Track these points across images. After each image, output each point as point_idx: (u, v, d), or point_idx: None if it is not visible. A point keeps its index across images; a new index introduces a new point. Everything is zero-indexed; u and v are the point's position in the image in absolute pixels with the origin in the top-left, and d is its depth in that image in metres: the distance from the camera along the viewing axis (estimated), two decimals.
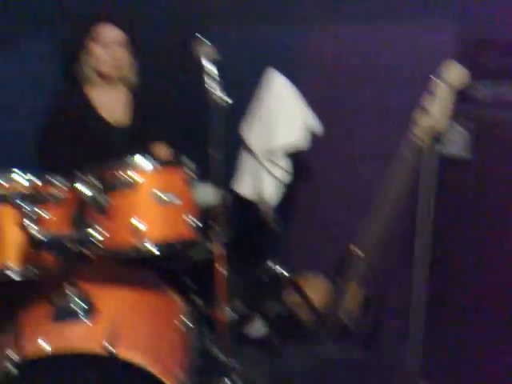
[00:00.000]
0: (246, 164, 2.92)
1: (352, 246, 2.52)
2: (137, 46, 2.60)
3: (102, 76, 2.58)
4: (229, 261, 2.25)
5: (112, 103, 2.63)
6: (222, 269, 2.21)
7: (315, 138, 2.80)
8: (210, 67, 2.10)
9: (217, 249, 2.26)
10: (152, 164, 2.04)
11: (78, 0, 2.60)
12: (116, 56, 2.50)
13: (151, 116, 2.68)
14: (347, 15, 2.81)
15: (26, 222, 1.91)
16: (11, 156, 2.53)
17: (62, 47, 2.72)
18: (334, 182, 3.05)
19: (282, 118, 2.77)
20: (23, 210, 1.92)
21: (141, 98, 2.68)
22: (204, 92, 2.10)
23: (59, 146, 2.53)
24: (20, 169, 2.01)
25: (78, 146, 2.58)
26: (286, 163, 2.84)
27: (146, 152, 2.08)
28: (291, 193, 2.96)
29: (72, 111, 2.56)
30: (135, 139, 2.62)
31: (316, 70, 2.99)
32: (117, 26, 2.49)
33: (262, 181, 2.86)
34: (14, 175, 1.97)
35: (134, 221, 1.98)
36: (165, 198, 2.02)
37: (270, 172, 2.85)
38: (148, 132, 2.68)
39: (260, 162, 2.85)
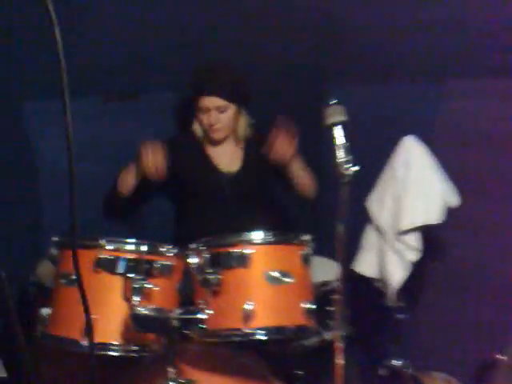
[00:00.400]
0: (370, 240, 2.67)
1: (499, 355, 2.15)
2: (245, 103, 2.59)
3: (209, 137, 2.62)
4: (345, 350, 2.01)
5: (224, 157, 2.65)
6: (338, 359, 1.96)
7: (450, 210, 2.52)
8: (338, 130, 1.92)
9: (333, 337, 2.03)
10: (267, 239, 1.92)
11: (196, 55, 2.62)
12: (213, 120, 2.52)
13: (263, 165, 2.60)
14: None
15: (133, 296, 1.84)
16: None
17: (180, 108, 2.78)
18: (472, 261, 2.71)
19: (418, 192, 2.51)
20: (131, 281, 1.85)
21: (254, 149, 2.65)
22: (328, 156, 1.92)
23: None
24: (131, 236, 1.94)
25: (187, 198, 2.62)
26: (416, 240, 2.56)
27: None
28: (419, 273, 2.66)
29: (184, 154, 2.62)
30: (246, 184, 2.62)
31: (455, 136, 2.72)
32: (216, 94, 2.50)
33: (387, 259, 2.59)
34: (123, 243, 1.90)
35: (243, 301, 1.85)
36: (279, 277, 1.89)
37: (397, 250, 2.58)
38: (259, 179, 2.66)
39: (387, 239, 2.59)
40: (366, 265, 2.63)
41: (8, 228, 2.42)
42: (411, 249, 2.52)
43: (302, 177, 2.60)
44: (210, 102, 2.49)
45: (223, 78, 2.51)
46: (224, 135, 2.60)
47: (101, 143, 2.61)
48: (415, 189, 2.49)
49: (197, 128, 2.60)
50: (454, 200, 2.54)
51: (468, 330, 2.70)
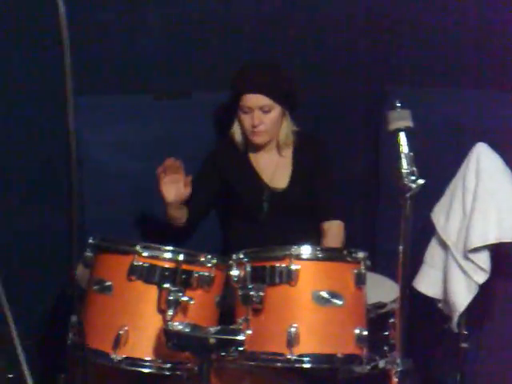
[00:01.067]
0: (434, 255, 2.45)
1: None
2: (291, 107, 2.41)
3: (251, 142, 2.44)
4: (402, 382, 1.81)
5: (269, 168, 2.46)
6: None
7: None
8: (402, 137, 1.71)
9: (388, 365, 1.84)
10: (316, 255, 1.77)
11: (249, 55, 2.53)
12: (256, 121, 2.33)
13: (313, 182, 2.42)
14: None
15: (168, 308, 1.71)
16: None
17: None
18: None
19: (491, 205, 2.28)
20: (166, 292, 1.73)
21: (304, 160, 2.45)
22: (387, 165, 1.73)
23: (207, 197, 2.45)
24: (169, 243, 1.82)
25: (232, 210, 2.46)
26: (485, 259, 2.32)
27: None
28: (487, 296, 2.43)
29: (230, 165, 2.46)
30: (293, 203, 2.41)
31: None
32: (261, 92, 2.32)
33: (453, 278, 2.37)
34: (160, 250, 1.78)
35: (287, 323, 1.69)
36: (328, 298, 1.72)
37: (464, 270, 2.34)
38: (308, 197, 2.42)
39: (453, 256, 2.36)
40: (428, 283, 2.42)
41: (49, 226, 2.35)
42: (479, 269, 2.29)
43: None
44: (253, 100, 2.30)
45: (269, 76, 2.34)
46: (266, 139, 2.39)
47: (150, 142, 2.50)
48: (487, 201, 2.26)
49: (235, 131, 2.41)
50: None
51: None
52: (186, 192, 2.25)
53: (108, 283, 1.76)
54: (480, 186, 2.28)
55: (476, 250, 2.29)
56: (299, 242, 1.81)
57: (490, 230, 2.24)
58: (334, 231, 2.37)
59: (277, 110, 2.34)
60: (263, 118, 2.32)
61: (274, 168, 2.44)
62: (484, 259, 2.28)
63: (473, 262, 2.31)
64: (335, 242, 2.33)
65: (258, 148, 2.43)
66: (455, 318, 2.33)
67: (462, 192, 2.36)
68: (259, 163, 2.45)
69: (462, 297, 2.32)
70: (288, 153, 2.45)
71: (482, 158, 2.29)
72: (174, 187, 2.22)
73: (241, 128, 2.39)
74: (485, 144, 2.30)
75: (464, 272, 2.32)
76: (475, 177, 2.31)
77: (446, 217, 2.38)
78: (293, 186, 2.41)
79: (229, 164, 2.45)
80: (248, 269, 1.76)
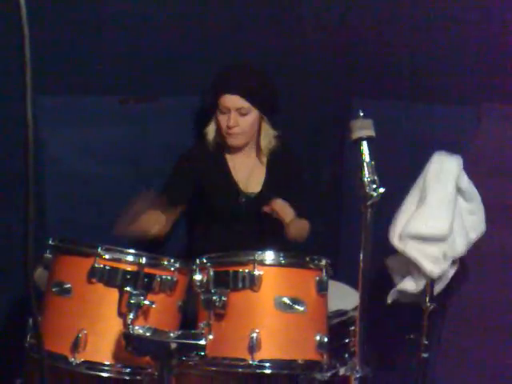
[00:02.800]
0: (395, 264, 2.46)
1: None
2: (269, 111, 2.40)
3: (226, 144, 2.42)
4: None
5: (245, 170, 2.44)
6: None
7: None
8: (365, 146, 1.72)
9: (348, 373, 1.84)
10: (279, 261, 1.76)
11: (218, 60, 2.48)
12: (232, 122, 2.31)
13: (285, 186, 2.41)
14: None
15: (130, 311, 1.68)
16: None
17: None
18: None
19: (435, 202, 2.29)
20: (128, 296, 1.70)
21: (277, 165, 2.44)
22: (349, 174, 1.73)
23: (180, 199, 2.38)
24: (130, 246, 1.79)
25: (203, 209, 2.42)
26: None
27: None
28: (444, 305, 2.45)
29: (204, 167, 2.42)
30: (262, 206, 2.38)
31: (487, 160, 2.53)
32: (239, 94, 2.31)
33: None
34: (122, 252, 1.75)
35: (248, 328, 1.69)
36: (290, 304, 1.72)
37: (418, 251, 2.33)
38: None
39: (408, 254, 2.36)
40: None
41: (8, 228, 2.29)
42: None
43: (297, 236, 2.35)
44: (231, 101, 2.29)
45: (249, 78, 2.33)
46: (241, 142, 2.38)
47: (114, 145, 2.46)
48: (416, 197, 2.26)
49: (209, 131, 2.39)
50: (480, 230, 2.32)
51: (498, 372, 2.47)
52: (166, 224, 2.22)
53: (67, 285, 1.72)
54: (427, 187, 2.27)
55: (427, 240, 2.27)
56: (270, 245, 1.81)
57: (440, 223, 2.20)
58: (306, 225, 2.38)
59: (254, 114, 2.32)
60: (239, 121, 2.30)
61: (250, 172, 2.43)
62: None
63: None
64: (299, 233, 2.33)
65: (234, 150, 2.41)
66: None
67: (417, 192, 2.36)
68: (235, 165, 2.43)
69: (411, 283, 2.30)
70: (263, 157, 2.45)
71: (432, 163, 2.27)
72: (155, 222, 2.15)
73: (217, 128, 2.37)
74: (442, 152, 2.28)
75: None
76: (433, 181, 2.32)
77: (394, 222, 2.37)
78: (266, 190, 2.40)
79: (204, 166, 2.42)
80: (211, 273, 1.75)
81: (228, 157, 2.44)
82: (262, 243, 2.07)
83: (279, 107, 2.41)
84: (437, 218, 2.21)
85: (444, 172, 2.27)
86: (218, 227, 2.39)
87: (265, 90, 2.34)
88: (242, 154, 2.43)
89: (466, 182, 2.32)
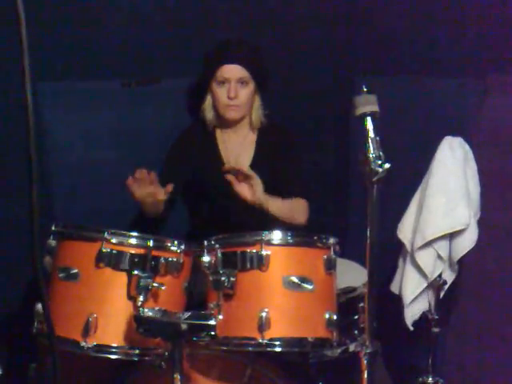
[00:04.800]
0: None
1: None
2: (263, 83, 2.36)
3: (223, 118, 2.38)
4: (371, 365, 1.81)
5: (234, 148, 2.41)
6: (363, 376, 1.77)
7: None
8: (369, 122, 1.71)
9: (358, 349, 1.84)
10: (287, 240, 1.76)
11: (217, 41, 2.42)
12: (233, 93, 2.28)
13: (276, 164, 2.37)
14: None
15: (139, 294, 1.69)
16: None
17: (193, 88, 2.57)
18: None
19: (440, 197, 2.26)
20: (136, 279, 1.70)
21: (267, 143, 2.40)
22: (355, 151, 1.72)
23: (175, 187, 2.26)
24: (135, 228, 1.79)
25: (195, 190, 2.39)
26: (442, 250, 2.30)
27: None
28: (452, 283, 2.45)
29: (194, 149, 2.40)
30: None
31: (494, 137, 2.51)
32: (240, 63, 2.28)
33: (404, 274, 2.35)
34: (128, 236, 1.74)
35: (258, 308, 1.69)
36: (298, 283, 1.72)
37: (416, 263, 2.31)
38: (270, 180, 2.29)
39: (407, 252, 2.34)
40: (394, 281, 2.41)
41: (16, 215, 2.30)
42: (437, 261, 2.27)
43: (283, 216, 2.22)
44: (232, 71, 2.26)
45: (248, 49, 2.31)
46: (239, 115, 2.34)
47: (117, 129, 2.46)
48: (435, 194, 2.20)
49: (207, 107, 2.35)
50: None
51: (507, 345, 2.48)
52: (162, 198, 2.11)
53: (74, 271, 1.72)
54: (430, 179, 2.24)
55: (431, 242, 2.27)
56: (272, 226, 1.80)
57: (439, 222, 2.20)
58: (299, 204, 2.28)
59: (252, 85, 2.30)
60: (240, 91, 2.27)
61: (239, 149, 2.40)
62: (443, 250, 2.24)
63: (421, 259, 2.27)
64: (299, 215, 2.26)
65: (228, 125, 2.38)
66: (404, 311, 2.32)
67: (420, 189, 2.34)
68: (226, 144, 2.40)
69: (409, 290, 2.29)
70: (253, 135, 2.42)
71: (440, 151, 2.25)
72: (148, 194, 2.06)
73: (214, 103, 2.34)
74: (450, 137, 2.25)
75: (415, 266, 2.30)
76: (428, 172, 2.30)
77: (404, 216, 2.36)
78: (254, 167, 2.28)
79: (194, 147, 2.40)
80: (219, 255, 1.74)
81: (219, 136, 2.41)
82: (265, 222, 2.05)
83: (269, 84, 2.38)
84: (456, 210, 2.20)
85: (455, 160, 2.24)
86: (213, 206, 2.38)
87: (261, 62, 2.32)
88: (234, 132, 2.40)
89: (473, 170, 2.30)
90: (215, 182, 2.30)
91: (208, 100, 2.35)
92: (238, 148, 2.40)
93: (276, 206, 2.14)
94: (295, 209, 2.25)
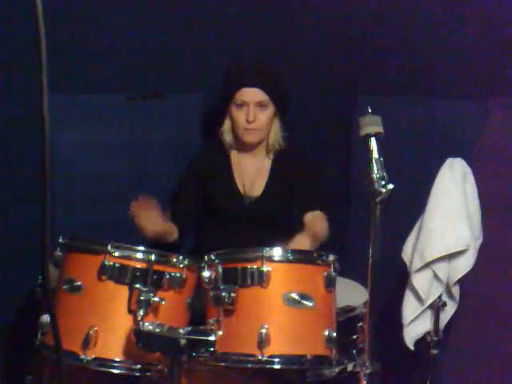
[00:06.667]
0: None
1: None
2: (284, 107, 2.36)
3: (241, 142, 2.37)
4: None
5: (249, 172, 2.41)
6: None
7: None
8: (373, 142, 1.73)
9: (357, 368, 1.85)
10: (287, 257, 1.76)
11: (223, 57, 2.48)
12: (251, 116, 2.26)
13: (288, 185, 2.38)
14: None
15: (140, 308, 1.69)
16: None
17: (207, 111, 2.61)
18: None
19: (438, 218, 2.25)
20: (138, 293, 1.71)
21: (282, 166, 2.40)
22: (357, 171, 1.73)
23: (186, 208, 2.37)
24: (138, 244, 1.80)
25: (205, 209, 2.40)
26: (441, 271, 2.30)
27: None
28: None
29: (208, 168, 2.40)
30: (266, 212, 2.37)
31: (495, 155, 2.52)
32: (259, 87, 2.27)
33: (405, 293, 2.34)
34: (131, 250, 1.75)
35: (257, 324, 1.69)
36: (298, 299, 1.72)
37: (412, 285, 2.31)
38: (282, 207, 2.39)
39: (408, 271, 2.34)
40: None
41: (17, 227, 2.31)
42: (421, 291, 2.27)
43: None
44: (251, 94, 2.24)
45: (268, 72, 2.30)
46: (257, 139, 2.32)
47: (122, 142, 2.48)
48: (433, 215, 2.20)
49: (226, 130, 2.34)
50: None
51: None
52: (165, 225, 2.18)
53: (78, 283, 1.73)
54: (430, 200, 2.24)
55: (430, 264, 2.26)
56: (271, 242, 1.82)
57: (438, 243, 2.19)
58: (319, 218, 2.29)
59: (271, 109, 2.29)
60: (258, 115, 2.26)
61: (255, 173, 2.39)
62: (441, 271, 2.22)
63: (418, 282, 2.24)
64: (321, 228, 2.25)
65: (245, 149, 2.37)
66: (403, 331, 2.31)
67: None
68: (240, 167, 2.39)
69: (408, 311, 2.29)
70: (268, 160, 2.40)
71: (441, 172, 2.25)
72: (152, 221, 2.09)
73: (232, 126, 2.33)
74: (451, 159, 2.26)
75: (411, 288, 2.31)
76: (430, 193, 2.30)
77: (408, 238, 2.36)
78: (267, 193, 2.37)
79: (208, 170, 2.39)
80: (220, 270, 1.75)
81: (234, 158, 2.40)
82: (269, 242, 2.05)
83: (290, 107, 2.37)
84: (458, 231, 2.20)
85: (454, 181, 2.23)
86: (222, 229, 2.37)
87: (281, 85, 2.32)
88: (250, 155, 2.39)
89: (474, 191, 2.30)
90: (227, 204, 2.34)
91: (227, 122, 2.34)
92: (253, 172, 2.39)
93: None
94: (322, 226, 2.27)
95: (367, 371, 1.75)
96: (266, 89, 2.25)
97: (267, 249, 1.74)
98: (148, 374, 1.75)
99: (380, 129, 1.69)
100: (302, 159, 2.44)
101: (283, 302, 1.70)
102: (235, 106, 2.27)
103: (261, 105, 2.26)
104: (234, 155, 2.41)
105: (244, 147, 2.37)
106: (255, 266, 1.72)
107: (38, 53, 0.98)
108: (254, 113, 2.24)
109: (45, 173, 1.07)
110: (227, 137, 2.35)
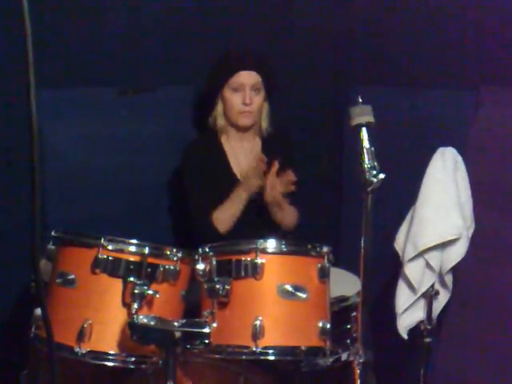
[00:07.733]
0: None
1: None
2: (272, 91, 2.42)
3: (235, 125, 2.41)
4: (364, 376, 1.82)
5: (243, 156, 2.45)
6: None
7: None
8: (364, 132, 1.73)
9: (350, 358, 1.86)
10: (281, 249, 1.77)
11: (213, 50, 2.47)
12: (248, 99, 2.33)
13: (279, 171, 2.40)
14: None
15: (134, 301, 1.69)
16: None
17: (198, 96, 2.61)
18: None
19: (429, 207, 2.25)
20: (132, 286, 1.71)
21: (271, 150, 2.42)
22: (349, 161, 1.74)
23: (190, 196, 2.38)
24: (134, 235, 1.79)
25: (206, 197, 2.40)
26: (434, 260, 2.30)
27: None
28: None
29: (204, 160, 2.41)
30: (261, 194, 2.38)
31: (487, 144, 2.53)
32: (255, 70, 2.34)
33: (398, 282, 2.35)
34: (125, 243, 1.75)
35: (252, 316, 1.70)
36: (292, 291, 1.73)
37: (404, 275, 2.32)
38: None
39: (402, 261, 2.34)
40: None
41: (10, 221, 2.30)
42: (414, 280, 2.27)
43: (285, 216, 2.41)
44: (248, 77, 2.31)
45: (260, 56, 2.37)
46: (252, 122, 2.38)
47: (114, 136, 2.47)
48: (423, 205, 2.20)
49: (218, 115, 2.38)
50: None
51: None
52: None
53: (71, 276, 1.73)
54: (421, 189, 2.23)
55: (423, 253, 2.27)
56: (264, 234, 1.82)
57: (430, 232, 2.18)
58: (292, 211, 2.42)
59: (263, 93, 2.36)
60: (254, 98, 2.33)
61: (248, 157, 2.42)
62: (434, 260, 2.21)
63: (417, 268, 2.24)
64: (289, 219, 2.40)
65: (238, 134, 2.41)
66: (396, 320, 2.31)
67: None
68: (233, 151, 2.43)
69: (401, 300, 2.28)
70: (258, 143, 2.46)
71: (432, 162, 2.24)
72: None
73: (225, 110, 2.37)
74: (443, 148, 2.24)
75: (404, 277, 2.32)
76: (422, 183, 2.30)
77: (400, 227, 2.36)
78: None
79: (204, 158, 2.40)
80: (214, 262, 1.75)
81: (225, 144, 2.42)
82: (261, 231, 2.07)
83: (275, 93, 2.43)
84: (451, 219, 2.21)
85: (445, 170, 2.24)
86: None
87: (272, 70, 2.38)
88: (241, 140, 2.43)
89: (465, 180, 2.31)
90: (225, 191, 2.34)
91: (219, 107, 2.38)
92: (247, 156, 2.43)
93: (287, 209, 2.36)
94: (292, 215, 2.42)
95: (361, 360, 1.76)
96: (261, 72, 2.32)
97: (261, 241, 1.74)
98: (143, 366, 1.76)
99: (371, 118, 1.69)
100: (288, 143, 2.52)
101: (277, 294, 1.71)
102: (230, 89, 2.32)
103: (255, 88, 2.32)
104: (226, 142, 2.43)
105: (237, 131, 2.41)
106: (249, 258, 1.72)
107: (25, 51, 0.97)
108: (250, 95, 2.31)
109: (33, 167, 1.06)
110: (220, 121, 2.39)
